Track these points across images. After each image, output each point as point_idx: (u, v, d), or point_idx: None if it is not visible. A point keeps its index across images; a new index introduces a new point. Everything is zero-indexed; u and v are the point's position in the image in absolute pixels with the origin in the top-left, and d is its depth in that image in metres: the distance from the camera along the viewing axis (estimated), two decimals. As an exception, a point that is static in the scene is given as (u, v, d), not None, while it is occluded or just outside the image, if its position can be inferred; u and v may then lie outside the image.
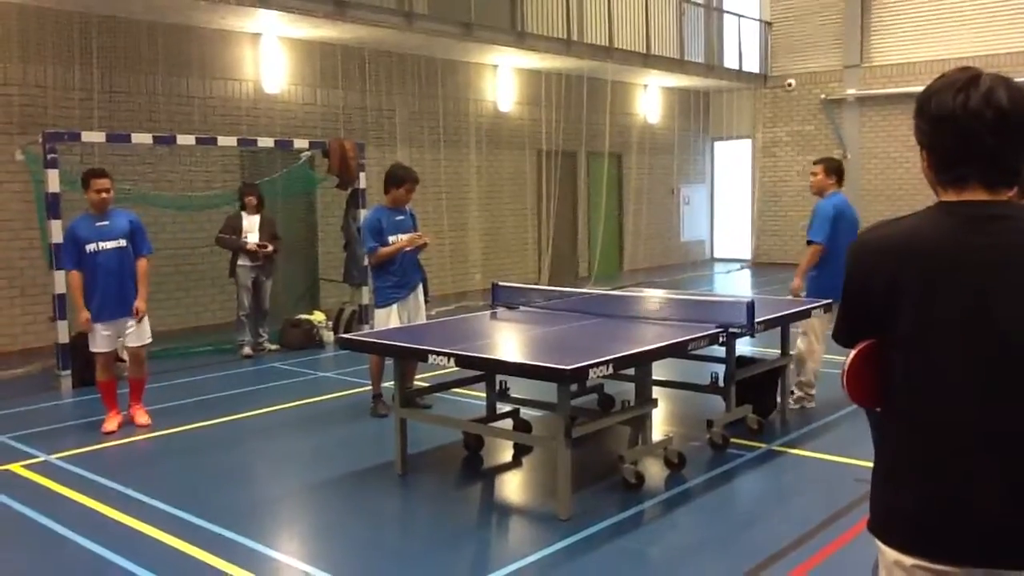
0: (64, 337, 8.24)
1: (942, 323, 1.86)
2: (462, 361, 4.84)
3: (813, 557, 4.22)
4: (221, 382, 8.34)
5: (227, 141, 9.34)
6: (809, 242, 6.71)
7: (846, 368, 2.04)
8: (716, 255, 19.96)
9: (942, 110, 1.87)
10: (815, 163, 7.05)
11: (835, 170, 6.88)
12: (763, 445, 5.93)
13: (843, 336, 2.09)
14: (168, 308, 10.29)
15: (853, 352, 2.04)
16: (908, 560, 1.93)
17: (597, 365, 4.41)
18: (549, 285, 13.74)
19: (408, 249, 6.77)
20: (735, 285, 16.09)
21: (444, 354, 4.82)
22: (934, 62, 16.02)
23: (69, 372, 8.21)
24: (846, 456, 5.55)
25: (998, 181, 1.88)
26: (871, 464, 2.04)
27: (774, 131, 18.86)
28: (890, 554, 1.97)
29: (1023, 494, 1.81)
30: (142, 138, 8.62)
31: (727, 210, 19.84)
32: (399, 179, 6.81)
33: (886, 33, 17.36)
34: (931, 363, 1.89)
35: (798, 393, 6.84)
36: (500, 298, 6.68)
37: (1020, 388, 1.82)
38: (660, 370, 6.68)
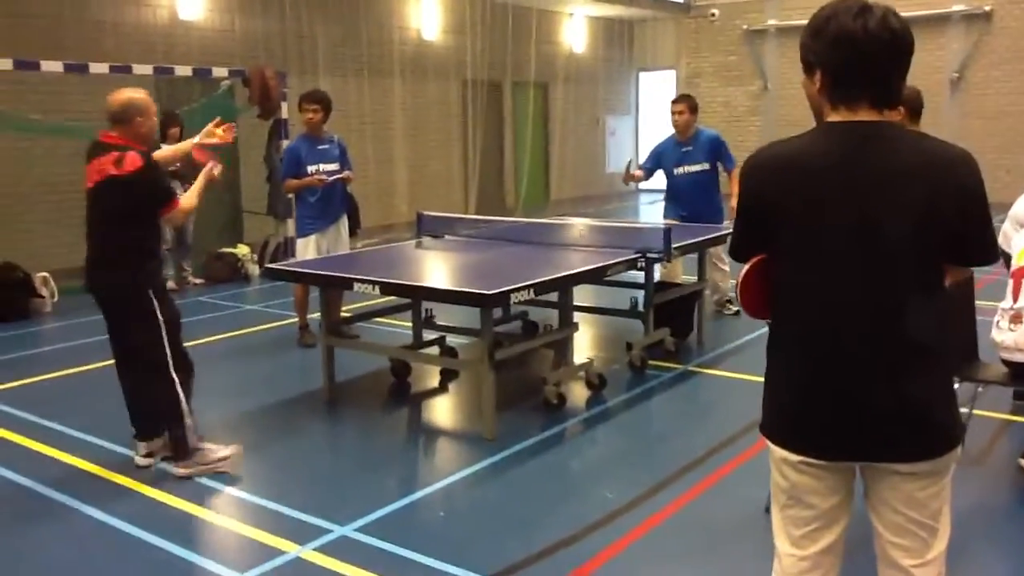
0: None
1: (829, 235, 2.01)
2: (387, 288, 4.93)
3: (727, 464, 4.48)
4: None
5: (143, 69, 9.05)
6: (730, 171, 7.44)
7: (740, 281, 2.20)
8: (641, 186, 20.16)
9: (842, 31, 1.99)
10: (678, 102, 7.58)
11: (696, 107, 7.56)
12: (680, 366, 6.19)
13: (738, 250, 2.24)
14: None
15: (747, 266, 2.20)
16: (793, 456, 2.11)
17: (518, 290, 4.54)
18: (476, 216, 13.78)
19: (328, 181, 6.73)
20: (658, 215, 16.35)
21: (369, 282, 4.89)
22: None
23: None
24: (757, 375, 5.80)
25: (885, 101, 2.03)
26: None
27: (697, 62, 19.00)
28: (777, 452, 2.16)
29: (895, 392, 2.00)
30: (52, 66, 8.31)
31: (652, 141, 20.01)
32: (299, 103, 6.81)
33: (807, -36, 17.54)
34: (818, 271, 2.04)
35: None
36: (425, 228, 6.74)
37: (896, 291, 1.98)
38: (582, 296, 6.87)
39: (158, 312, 4.36)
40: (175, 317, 4.51)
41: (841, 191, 2.00)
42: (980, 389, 4.14)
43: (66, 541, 3.86)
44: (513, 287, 4.52)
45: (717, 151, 7.47)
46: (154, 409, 4.48)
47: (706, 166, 7.44)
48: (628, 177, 7.56)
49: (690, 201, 7.44)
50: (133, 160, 4.17)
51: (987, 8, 15.60)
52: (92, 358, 6.70)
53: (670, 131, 7.68)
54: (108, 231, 4.32)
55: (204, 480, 4.43)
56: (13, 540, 3.88)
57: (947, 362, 2.07)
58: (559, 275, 5.04)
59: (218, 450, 4.54)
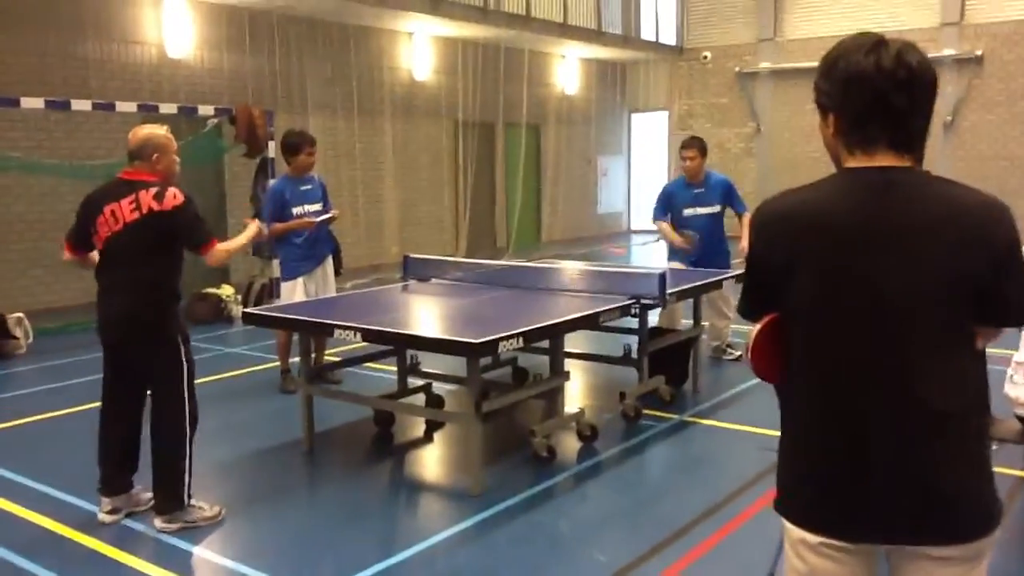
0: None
1: (846, 293, 1.82)
2: (369, 335, 4.70)
3: (727, 524, 4.23)
4: (122, 359, 7.98)
5: (126, 107, 8.90)
6: (740, 215, 7.25)
7: (750, 342, 1.99)
8: (633, 227, 20.09)
9: (853, 70, 1.82)
10: (689, 147, 7.26)
11: (706, 150, 7.34)
12: (675, 416, 5.95)
13: (747, 309, 2.04)
14: (67, 282, 9.85)
15: (758, 326, 1.99)
16: (813, 538, 1.89)
17: (507, 338, 4.32)
18: (466, 257, 13.61)
19: (317, 222, 6.55)
20: (652, 257, 16.20)
21: (350, 328, 4.66)
22: (845, 37, 16.32)
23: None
24: (756, 426, 5.58)
25: (905, 144, 1.84)
26: (779, 433, 1.99)
27: (690, 103, 19.00)
28: (795, 532, 1.93)
29: (919, 467, 1.79)
30: (33, 102, 8.14)
31: (644, 182, 19.97)
32: (295, 146, 6.56)
33: (799, 7, 17.60)
34: (830, 335, 1.84)
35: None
36: (412, 270, 6.53)
37: (917, 357, 1.79)
38: (574, 342, 6.65)
39: (184, 357, 4.21)
40: (193, 366, 4.31)
41: (860, 245, 1.80)
42: (995, 447, 3.91)
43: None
44: (501, 336, 4.30)
45: (728, 195, 7.34)
46: (158, 460, 4.25)
47: (717, 208, 7.29)
48: (685, 241, 7.15)
49: (700, 244, 7.20)
50: (175, 195, 4.12)
51: (978, 52, 15.64)
52: (67, 402, 6.48)
53: (663, 172, 7.51)
54: (146, 268, 4.15)
55: (174, 540, 4.16)
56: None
57: (982, 433, 1.85)
58: (549, 323, 4.82)
59: (206, 509, 4.33)
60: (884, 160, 1.84)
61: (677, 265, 7.16)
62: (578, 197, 18.52)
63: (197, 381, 4.42)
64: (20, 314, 8.45)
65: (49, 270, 9.81)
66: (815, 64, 1.96)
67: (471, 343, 4.25)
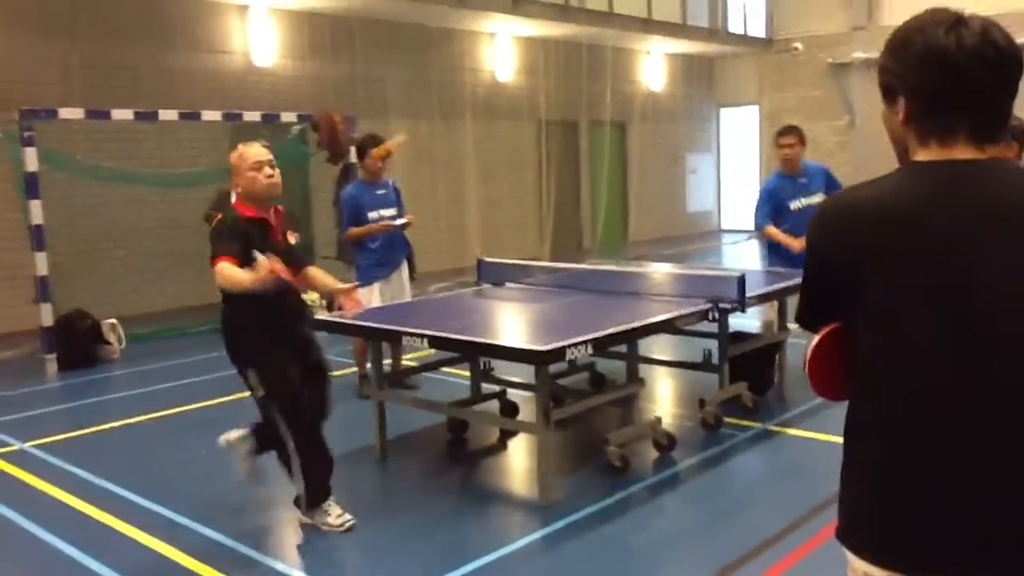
0: (48, 319, 8.11)
1: (915, 299, 1.63)
2: (436, 342, 4.63)
3: (810, 540, 4.02)
4: (208, 364, 8.14)
5: (211, 116, 9.09)
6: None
7: (809, 355, 1.82)
8: (724, 226, 19.63)
9: (933, 47, 1.63)
10: (787, 134, 6.75)
11: (805, 139, 6.84)
12: (758, 425, 5.71)
13: (807, 317, 1.86)
14: (160, 288, 10.15)
15: (817, 337, 1.82)
16: (879, 572, 1.71)
17: (575, 345, 4.19)
18: (551, 258, 13.50)
19: (395, 226, 6.57)
20: (742, 257, 15.78)
21: (417, 335, 4.61)
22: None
23: (54, 355, 8.09)
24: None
25: (987, 131, 1.65)
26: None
27: (781, 97, 18.45)
28: (859, 565, 1.76)
29: (1005, 489, 1.60)
30: (122, 114, 8.39)
31: (735, 179, 19.47)
32: (362, 148, 6.64)
33: (895, -7, 16.90)
34: (902, 346, 1.65)
35: None
36: (486, 274, 6.46)
37: (1001, 368, 1.59)
38: (654, 347, 6.47)
39: (261, 382, 4.20)
40: (284, 393, 4.22)
41: (934, 244, 1.61)
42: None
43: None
44: (569, 342, 4.17)
45: (829, 181, 6.81)
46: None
47: (822, 197, 6.80)
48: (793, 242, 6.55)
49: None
50: (219, 215, 4.19)
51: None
52: (156, 407, 6.65)
53: (754, 169, 7.14)
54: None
55: (244, 549, 4.18)
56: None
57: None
58: (619, 329, 4.66)
59: (331, 516, 4.36)
60: (963, 152, 1.65)
61: (778, 269, 6.63)
62: (666, 196, 18.19)
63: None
64: (113, 320, 8.71)
65: (144, 277, 10.12)
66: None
67: (538, 350, 4.14)
